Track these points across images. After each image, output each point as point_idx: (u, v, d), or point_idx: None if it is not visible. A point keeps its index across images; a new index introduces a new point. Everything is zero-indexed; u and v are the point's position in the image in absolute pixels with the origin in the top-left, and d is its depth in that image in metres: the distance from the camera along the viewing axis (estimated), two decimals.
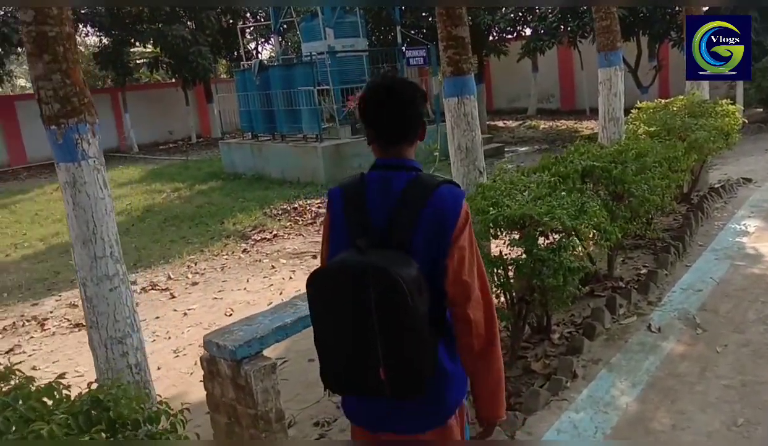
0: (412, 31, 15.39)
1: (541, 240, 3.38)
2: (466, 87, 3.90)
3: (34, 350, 5.00)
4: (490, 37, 16.68)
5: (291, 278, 6.23)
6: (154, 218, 9.60)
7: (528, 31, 16.73)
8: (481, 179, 3.94)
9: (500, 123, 19.13)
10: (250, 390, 2.76)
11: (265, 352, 2.94)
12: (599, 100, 5.82)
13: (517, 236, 3.53)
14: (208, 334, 3.02)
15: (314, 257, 6.87)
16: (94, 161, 2.22)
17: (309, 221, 8.52)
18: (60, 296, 6.34)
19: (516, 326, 3.64)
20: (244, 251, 7.37)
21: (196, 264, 6.99)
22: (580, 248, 3.27)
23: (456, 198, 1.68)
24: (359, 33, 13.21)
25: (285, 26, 15.46)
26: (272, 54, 22.52)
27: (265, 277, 6.31)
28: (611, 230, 3.56)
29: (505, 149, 13.63)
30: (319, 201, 9.61)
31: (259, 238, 7.87)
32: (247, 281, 6.24)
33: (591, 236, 3.53)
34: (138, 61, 22.64)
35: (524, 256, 3.37)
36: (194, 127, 22.61)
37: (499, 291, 3.41)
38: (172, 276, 6.59)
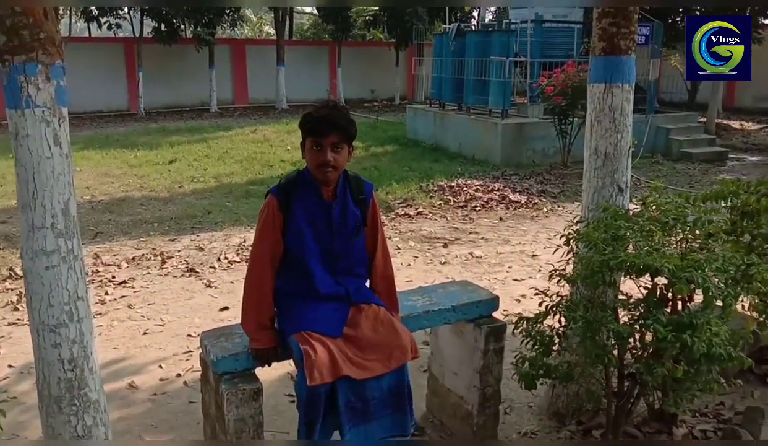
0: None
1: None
2: (619, 71, 2.84)
3: (142, 286, 5.11)
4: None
5: (410, 265, 5.63)
6: None
7: None
8: (620, 200, 2.89)
9: (736, 124, 16.07)
10: (222, 415, 2.25)
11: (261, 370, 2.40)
12: None
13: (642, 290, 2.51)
14: (207, 330, 2.56)
15: (445, 245, 6.18)
16: (43, 112, 1.82)
17: (461, 204, 7.78)
18: (197, 236, 6.51)
19: (619, 410, 2.63)
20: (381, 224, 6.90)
21: None
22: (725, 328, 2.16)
23: None
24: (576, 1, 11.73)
25: None
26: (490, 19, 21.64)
27: None
28: None
29: (729, 155, 11.29)
30: (480, 183, 8.78)
31: (402, 213, 7.36)
32: None
33: (756, 310, 2.36)
34: (358, 18, 23.26)
35: (641, 321, 2.35)
36: (399, 88, 22.74)
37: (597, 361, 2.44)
38: None
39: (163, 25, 17.89)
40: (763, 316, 2.37)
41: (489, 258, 5.82)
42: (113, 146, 12.27)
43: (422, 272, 5.46)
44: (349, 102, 21.53)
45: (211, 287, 5.10)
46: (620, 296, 2.57)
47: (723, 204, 3.05)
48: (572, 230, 2.76)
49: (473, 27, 13.66)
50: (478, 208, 7.64)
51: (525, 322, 2.62)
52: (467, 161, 10.66)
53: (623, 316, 2.47)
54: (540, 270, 5.38)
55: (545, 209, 7.62)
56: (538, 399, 3.22)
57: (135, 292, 4.99)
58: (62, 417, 2.00)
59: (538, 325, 2.58)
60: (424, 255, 5.90)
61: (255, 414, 2.26)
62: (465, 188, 8.42)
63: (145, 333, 4.28)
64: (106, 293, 4.92)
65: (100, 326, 4.36)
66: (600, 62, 2.87)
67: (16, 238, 6.07)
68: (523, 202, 7.90)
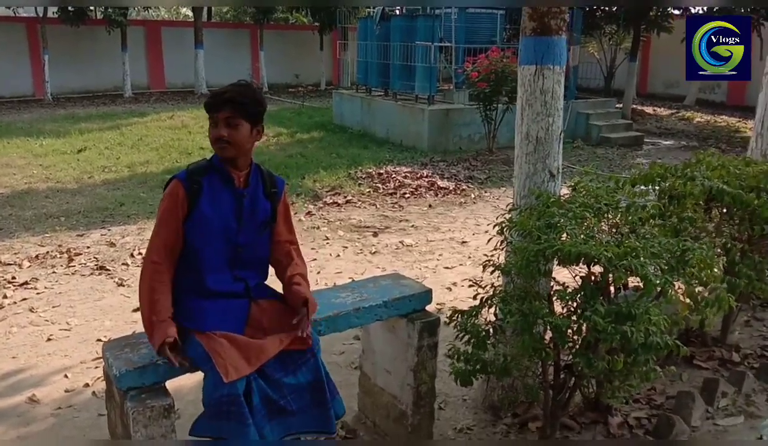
0: None
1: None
2: (550, 52, 2.75)
3: (46, 287, 4.67)
4: (653, 11, 14.41)
5: (339, 256, 5.45)
6: None
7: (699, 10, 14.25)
8: (552, 185, 2.82)
9: (649, 109, 16.80)
10: (129, 435, 2.00)
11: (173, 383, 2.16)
12: (759, 99, 4.31)
13: (577, 278, 2.44)
14: (110, 340, 2.29)
15: (375, 234, 6.03)
16: None
17: (390, 191, 7.66)
18: (109, 230, 6.06)
19: (556, 402, 2.57)
20: (308, 213, 6.69)
21: None
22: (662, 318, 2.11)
23: None
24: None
25: None
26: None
27: (313, 248, 5.58)
28: (724, 297, 2.34)
29: (645, 140, 11.75)
30: (408, 169, 8.70)
31: (331, 201, 7.16)
32: None
33: (690, 297, 2.34)
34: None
35: (578, 312, 2.28)
36: (325, 73, 22.34)
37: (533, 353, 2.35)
38: None
39: (69, 6, 16.67)
40: (695, 301, 2.35)
41: (419, 246, 5.72)
42: (15, 134, 11.32)
43: (352, 262, 5.29)
44: (273, 87, 20.99)
45: (123, 285, 4.73)
46: (556, 286, 2.50)
47: (651, 188, 3.05)
48: (505, 218, 2.67)
49: (398, 11, 13.49)
50: (408, 195, 7.54)
51: (459, 316, 2.50)
52: (395, 148, 10.55)
53: (559, 307, 2.39)
54: (470, 257, 5.33)
55: (473, 195, 7.62)
56: (472, 391, 3.12)
57: (38, 294, 4.55)
58: None
59: (473, 319, 2.47)
60: (354, 245, 5.73)
61: (167, 433, 2.02)
62: (394, 175, 8.31)
63: (49, 339, 3.89)
64: (5, 297, 4.46)
65: None
66: (530, 43, 2.78)
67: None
68: (451, 188, 7.87)
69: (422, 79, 10.98)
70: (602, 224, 2.59)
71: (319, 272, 5.01)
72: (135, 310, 4.29)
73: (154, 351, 2.08)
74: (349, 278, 4.91)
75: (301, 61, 22.12)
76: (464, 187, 7.98)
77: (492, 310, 2.45)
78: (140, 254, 5.35)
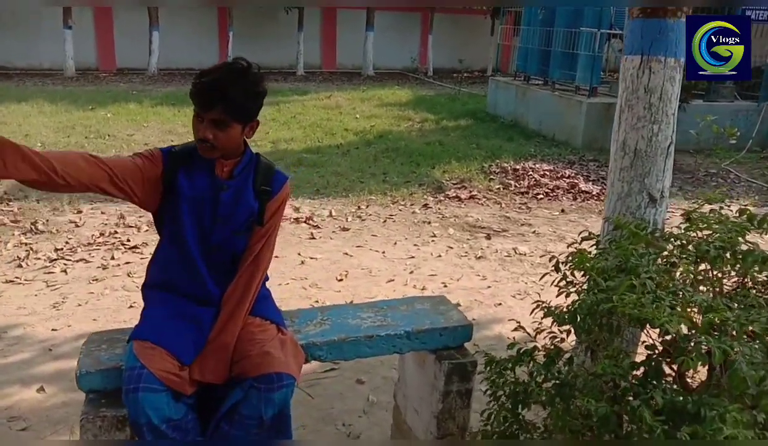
0: None
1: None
2: (662, 39, 2.08)
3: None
4: None
5: (440, 256, 5.02)
6: (379, 145, 9.09)
7: None
8: (651, 212, 2.17)
9: None
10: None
11: None
12: None
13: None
14: (97, 333, 2.15)
15: (488, 237, 5.50)
16: None
17: (521, 189, 7.01)
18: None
19: None
20: (425, 206, 6.32)
21: (367, 206, 6.22)
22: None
23: None
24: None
25: None
26: None
27: (416, 245, 5.22)
28: None
29: None
30: (549, 167, 7.91)
31: (453, 195, 6.71)
32: (395, 244, 5.23)
33: None
34: None
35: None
36: (493, 59, 21.56)
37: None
38: (333, 213, 5.94)
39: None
40: None
41: (533, 257, 5.09)
42: (188, 103, 12.25)
43: (452, 266, 4.84)
44: (438, 72, 20.75)
45: None
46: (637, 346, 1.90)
47: None
48: (575, 248, 2.09)
49: None
50: (541, 196, 6.84)
51: (492, 366, 2.00)
52: (544, 142, 9.73)
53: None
54: None
55: None
56: None
57: (142, 259, 4.74)
58: None
59: (507, 373, 1.96)
60: (461, 246, 5.26)
61: None
62: (531, 172, 7.60)
63: (131, 306, 4.00)
64: (112, 258, 4.71)
65: (91, 293, 4.14)
66: (636, 27, 2.14)
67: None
68: (594, 193, 7.00)
69: (584, 68, 9.96)
70: (712, 272, 1.91)
71: (411, 272, 4.65)
72: None
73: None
74: (442, 283, 4.50)
75: (468, 46, 21.57)
76: None
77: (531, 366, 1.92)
78: None
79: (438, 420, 2.19)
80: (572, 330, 1.98)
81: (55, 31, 16.98)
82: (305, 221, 5.70)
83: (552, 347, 1.90)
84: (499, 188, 7.07)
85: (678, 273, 1.77)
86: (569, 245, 2.10)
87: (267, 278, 2.15)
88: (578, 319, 1.73)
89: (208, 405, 1.91)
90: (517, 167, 7.82)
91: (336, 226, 5.61)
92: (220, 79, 1.80)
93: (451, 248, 5.22)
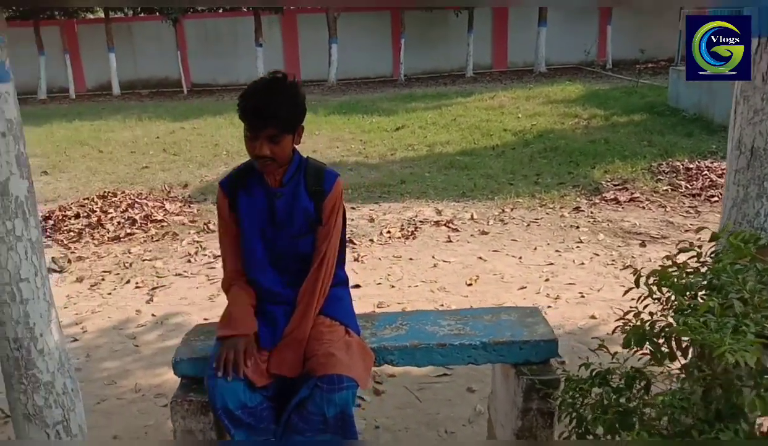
0: None
1: None
2: None
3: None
4: None
5: (583, 264, 4.71)
6: (537, 145, 8.77)
7: None
8: None
9: None
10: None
11: None
12: None
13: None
14: (199, 325, 2.37)
15: (642, 244, 5.03)
16: None
17: (693, 191, 6.29)
18: (378, 205, 6.45)
19: None
20: (576, 209, 5.97)
21: (512, 210, 6.05)
22: None
23: None
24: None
25: None
26: None
27: (557, 251, 4.95)
28: None
29: None
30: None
31: (611, 197, 6.24)
32: (534, 249, 5.02)
33: None
34: None
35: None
36: (681, 47, 19.57)
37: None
38: (475, 216, 5.87)
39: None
40: None
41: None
42: (358, 111, 12.99)
43: (594, 275, 4.51)
44: (619, 64, 19.40)
45: (357, 260, 4.97)
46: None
47: None
48: (672, 259, 1.85)
49: None
50: (715, 198, 6.07)
51: (567, 384, 1.85)
52: None
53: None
54: None
55: None
56: None
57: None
58: (13, 394, 2.02)
59: (583, 394, 1.80)
60: (608, 254, 4.87)
61: (205, 429, 2.02)
62: (706, 172, 6.78)
63: (209, 298, 4.36)
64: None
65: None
66: (752, 1, 1.83)
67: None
68: None
69: None
70: None
71: (547, 280, 4.43)
72: (353, 287, 4.49)
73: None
74: (579, 293, 4.22)
75: (651, 34, 19.83)
76: None
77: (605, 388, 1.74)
78: (389, 232, 5.56)
79: (517, 436, 2.07)
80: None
81: (248, 50, 18.95)
82: (445, 224, 5.70)
83: (631, 369, 1.70)
84: (666, 190, 6.41)
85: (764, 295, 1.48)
86: (666, 257, 1.86)
87: (344, 279, 2.20)
88: (644, 340, 1.53)
89: (285, 395, 2.02)
90: (691, 166, 7.02)
91: (475, 229, 5.53)
92: (265, 97, 1.91)
93: (597, 255, 4.87)
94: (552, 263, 4.72)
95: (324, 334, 1.99)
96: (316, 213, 2.03)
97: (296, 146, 2.12)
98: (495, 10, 20.88)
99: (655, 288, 1.76)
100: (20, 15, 19.41)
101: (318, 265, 2.04)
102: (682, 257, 1.94)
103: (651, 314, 1.64)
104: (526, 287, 4.34)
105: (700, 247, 1.97)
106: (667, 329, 1.45)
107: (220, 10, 22.86)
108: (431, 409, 3.06)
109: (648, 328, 1.54)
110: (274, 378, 2.00)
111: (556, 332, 3.63)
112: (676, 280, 1.59)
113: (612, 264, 4.69)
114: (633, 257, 4.79)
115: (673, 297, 1.59)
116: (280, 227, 2.04)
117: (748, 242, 1.74)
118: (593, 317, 3.85)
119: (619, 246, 5.04)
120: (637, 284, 1.78)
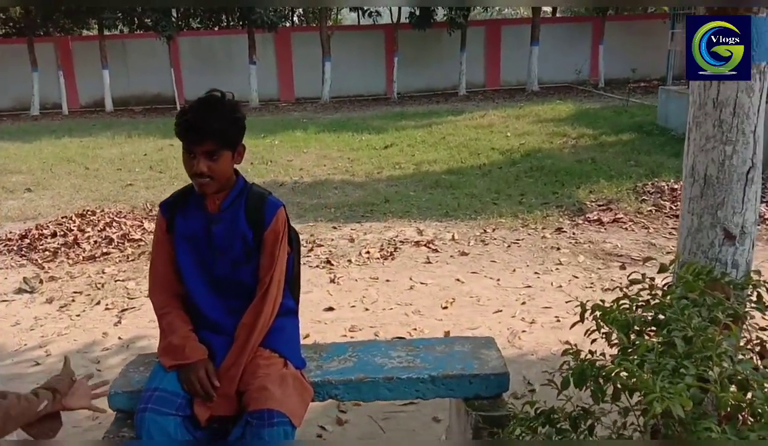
0: None
1: None
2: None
3: None
4: None
5: (561, 287, 4.64)
6: (524, 164, 8.74)
7: None
8: (727, 253, 1.76)
9: None
10: None
11: None
12: None
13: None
14: (142, 355, 2.29)
15: (623, 266, 4.96)
16: None
17: (677, 212, 6.22)
18: (360, 225, 6.38)
19: None
20: (558, 230, 5.91)
21: (494, 230, 5.98)
22: None
23: None
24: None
25: None
26: None
27: (536, 273, 4.88)
28: None
29: None
30: None
31: (594, 218, 6.18)
32: (513, 271, 4.95)
33: None
34: None
35: None
36: (675, 66, 19.68)
37: None
38: (456, 237, 5.81)
39: (417, 10, 18.28)
40: None
41: None
42: (348, 129, 12.97)
43: (572, 298, 4.42)
44: (611, 83, 19.49)
45: (333, 282, 4.90)
46: None
47: None
48: (625, 290, 1.79)
49: None
50: None
51: (513, 423, 1.77)
52: None
53: None
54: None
55: None
56: None
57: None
58: None
59: (532, 431, 1.72)
60: (588, 277, 4.81)
61: None
62: None
63: None
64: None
65: None
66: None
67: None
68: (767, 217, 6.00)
69: None
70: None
71: (524, 303, 4.35)
72: (327, 309, 4.42)
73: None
74: (555, 317, 4.14)
75: (643, 53, 19.96)
76: None
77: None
78: (368, 253, 5.48)
79: None
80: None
81: (242, 67, 18.99)
82: (425, 245, 5.63)
83: (576, 409, 1.63)
84: (650, 211, 6.36)
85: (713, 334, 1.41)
86: (612, 289, 1.79)
87: (291, 309, 2.13)
88: (584, 380, 1.45)
89: (224, 434, 1.93)
90: (677, 186, 6.97)
91: (456, 250, 5.47)
92: (202, 112, 1.87)
93: (576, 278, 4.80)
94: (530, 286, 4.65)
95: (260, 367, 1.91)
96: (255, 243, 1.97)
97: (242, 173, 2.07)
98: (488, 29, 21.01)
99: (600, 323, 1.69)
100: (16, 32, 19.48)
101: (261, 297, 1.96)
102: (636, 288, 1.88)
103: (591, 353, 1.57)
104: (501, 311, 4.26)
105: (652, 279, 1.92)
106: (605, 368, 1.38)
107: (216, 28, 22.99)
108: (395, 440, 2.96)
109: (587, 367, 1.46)
110: (212, 416, 1.92)
111: (529, 359, 3.55)
112: (619, 315, 1.52)
113: (590, 287, 4.62)
114: (613, 279, 4.72)
115: (614, 336, 1.52)
116: (219, 252, 1.98)
117: (700, 274, 1.67)
118: (567, 342, 3.76)
119: (599, 268, 4.97)
120: (581, 318, 1.71)
